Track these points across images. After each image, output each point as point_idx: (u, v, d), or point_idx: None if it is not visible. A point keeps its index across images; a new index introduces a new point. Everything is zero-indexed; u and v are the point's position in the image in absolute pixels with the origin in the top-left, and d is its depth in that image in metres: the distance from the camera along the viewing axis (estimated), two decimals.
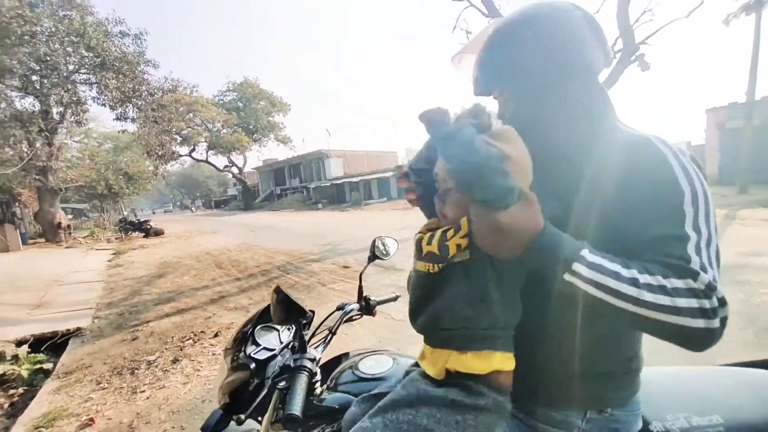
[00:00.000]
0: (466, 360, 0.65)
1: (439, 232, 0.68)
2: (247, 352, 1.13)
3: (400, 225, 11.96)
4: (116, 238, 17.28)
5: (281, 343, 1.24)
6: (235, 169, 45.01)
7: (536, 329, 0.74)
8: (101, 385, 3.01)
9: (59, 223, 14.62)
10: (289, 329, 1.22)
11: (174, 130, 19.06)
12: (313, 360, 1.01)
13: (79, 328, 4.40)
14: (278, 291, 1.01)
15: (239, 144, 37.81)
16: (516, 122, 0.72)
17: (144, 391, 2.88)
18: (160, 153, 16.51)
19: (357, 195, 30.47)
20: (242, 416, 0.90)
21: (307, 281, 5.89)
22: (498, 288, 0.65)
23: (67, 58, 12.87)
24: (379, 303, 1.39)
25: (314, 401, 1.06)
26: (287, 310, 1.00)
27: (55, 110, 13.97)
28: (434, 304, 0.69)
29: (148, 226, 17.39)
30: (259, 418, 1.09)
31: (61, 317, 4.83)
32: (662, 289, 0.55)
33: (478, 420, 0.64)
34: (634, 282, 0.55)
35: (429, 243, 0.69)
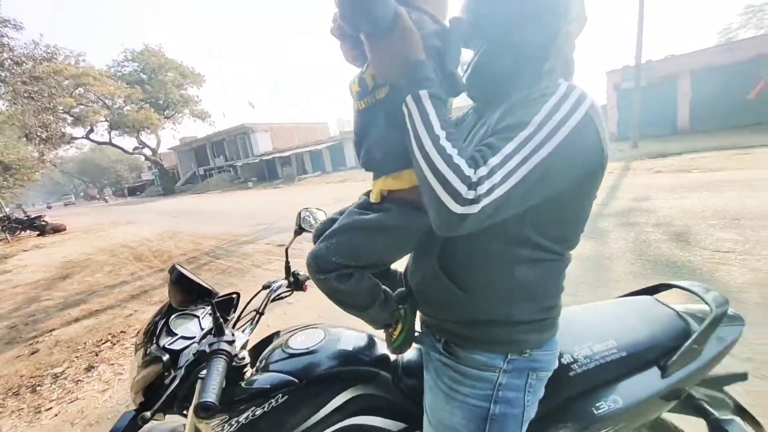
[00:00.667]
0: (391, 181, 0.77)
1: (358, 72, 0.79)
2: (161, 343, 1.02)
3: (336, 198, 11.73)
4: None
5: (202, 329, 1.14)
6: (147, 151, 39.96)
7: (461, 279, 0.75)
8: None
9: None
10: (210, 314, 1.10)
11: (60, 108, 16.01)
12: (231, 342, 0.93)
13: None
14: (173, 270, 0.89)
15: (148, 122, 33.34)
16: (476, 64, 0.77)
17: (50, 408, 2.51)
18: (43, 136, 13.76)
19: (289, 170, 29.20)
20: (147, 414, 0.79)
21: (240, 264, 5.56)
22: None
23: None
24: (309, 278, 1.34)
25: (243, 385, 1.00)
26: (186, 291, 0.89)
27: None
28: (368, 138, 0.79)
29: (43, 223, 14.87)
30: (185, 412, 1.00)
31: None
32: (447, 158, 0.60)
33: (394, 235, 0.79)
34: (434, 138, 0.62)
35: (354, 83, 0.79)
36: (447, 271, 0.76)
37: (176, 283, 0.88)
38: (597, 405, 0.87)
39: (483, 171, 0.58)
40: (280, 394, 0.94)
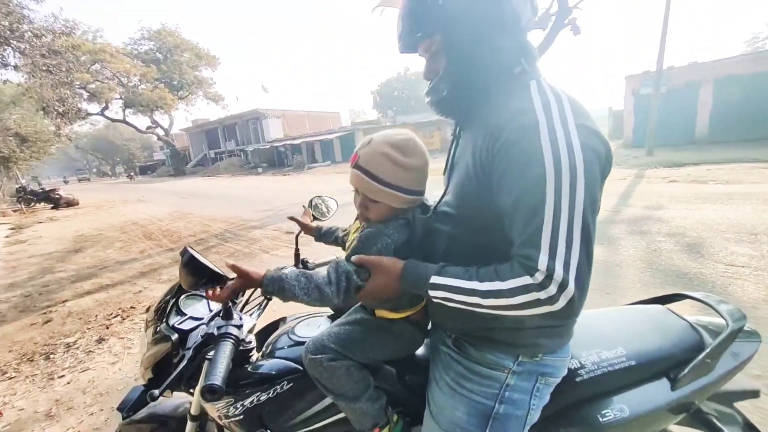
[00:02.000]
0: (388, 313, 0.97)
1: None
2: (170, 322, 1.05)
3: (345, 188, 11.70)
4: (14, 211, 14.83)
5: (210, 311, 1.16)
6: (160, 131, 40.23)
7: None
8: (7, 375, 2.66)
9: None
10: None
11: (77, 83, 16.15)
12: (239, 327, 0.95)
13: None
14: (185, 252, 0.91)
15: (162, 102, 33.49)
16: (446, 81, 0.75)
17: (63, 376, 2.59)
18: (60, 110, 13.91)
19: (299, 158, 29.17)
20: (156, 392, 0.81)
21: (248, 249, 5.62)
22: None
23: None
24: (318, 266, 1.35)
25: (249, 369, 1.02)
26: (197, 274, 0.91)
27: None
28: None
29: (57, 196, 15.15)
30: (191, 391, 1.03)
31: None
32: (499, 293, 0.64)
33: (392, 337, 0.96)
34: (473, 292, 0.67)
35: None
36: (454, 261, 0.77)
37: (187, 266, 0.90)
38: (603, 412, 0.87)
39: (542, 263, 0.59)
40: (285, 381, 0.97)
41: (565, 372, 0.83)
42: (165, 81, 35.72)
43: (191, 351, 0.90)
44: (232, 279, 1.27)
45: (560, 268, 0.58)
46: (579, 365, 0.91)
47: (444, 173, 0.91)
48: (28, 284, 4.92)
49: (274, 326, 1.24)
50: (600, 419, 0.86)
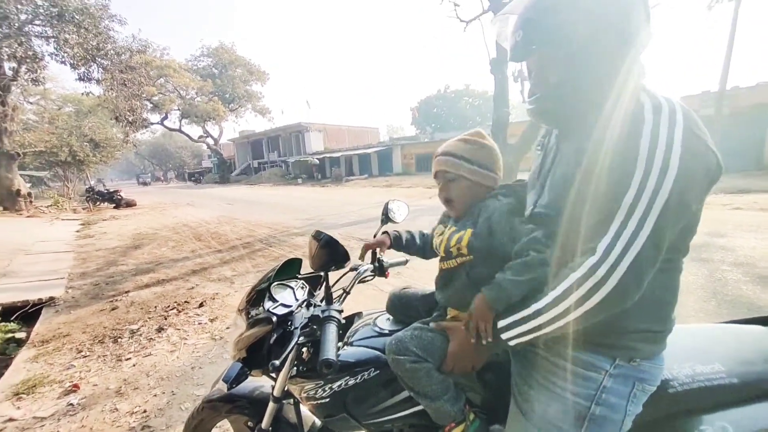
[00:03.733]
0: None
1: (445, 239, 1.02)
2: (266, 307, 1.12)
3: (380, 201, 11.87)
4: (83, 209, 16.38)
5: (296, 300, 1.24)
6: (210, 140, 43.03)
7: None
8: (82, 353, 2.92)
9: (18, 191, 13.56)
10: (302, 288, 1.21)
11: (145, 95, 17.83)
12: (340, 311, 1.02)
13: (52, 298, 4.20)
14: (319, 235, 1.01)
15: (215, 113, 35.97)
16: (558, 94, 0.76)
17: (129, 358, 2.82)
18: (130, 119, 15.41)
19: (338, 171, 30.01)
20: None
21: (291, 254, 5.83)
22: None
23: (19, 6, 11.60)
24: (391, 265, 1.42)
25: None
26: (331, 254, 1.02)
27: (6, 66, 12.70)
28: (448, 290, 1.03)
29: (119, 197, 16.55)
30: (272, 375, 1.10)
31: (31, 287, 4.58)
32: (570, 290, 0.69)
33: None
34: (538, 313, 0.74)
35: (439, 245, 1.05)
36: None
37: (325, 247, 1.01)
38: (701, 429, 0.83)
39: (603, 244, 0.67)
40: (372, 368, 1.01)
41: (660, 380, 0.81)
42: (218, 94, 38.33)
43: (299, 330, 0.97)
44: (312, 273, 1.36)
45: (619, 248, 0.63)
46: (671, 377, 0.87)
47: (537, 178, 0.91)
48: (96, 274, 5.40)
49: (350, 321, 1.30)
50: None
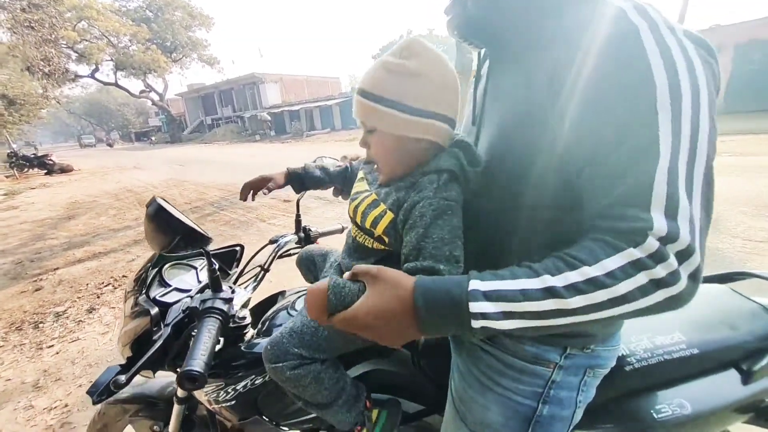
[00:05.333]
0: None
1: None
2: (151, 294, 0.91)
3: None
4: (7, 177, 14.56)
5: (199, 282, 1.02)
6: (154, 95, 38.90)
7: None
8: None
9: None
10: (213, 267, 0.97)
11: (63, 41, 15.34)
12: (228, 300, 0.80)
13: None
14: (152, 203, 0.73)
15: (155, 64, 32.09)
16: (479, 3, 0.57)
17: (52, 345, 2.50)
18: (46, 70, 13.21)
19: (298, 125, 28.39)
20: (122, 378, 0.67)
21: (244, 217, 5.47)
22: None
23: None
24: (322, 235, 1.22)
25: (243, 348, 0.89)
26: (167, 231, 0.74)
27: None
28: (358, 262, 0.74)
29: (50, 161, 14.80)
30: (178, 369, 0.89)
31: None
32: (592, 283, 0.42)
33: None
34: (550, 291, 0.43)
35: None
36: (489, 255, 0.62)
37: (154, 220, 0.73)
38: (657, 408, 0.74)
39: (658, 224, 0.40)
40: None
41: (614, 362, 0.68)
42: (157, 42, 34.09)
43: (170, 328, 0.77)
44: (227, 246, 1.12)
45: (685, 229, 0.39)
46: (628, 352, 0.77)
47: (473, 124, 0.71)
48: (19, 251, 4.80)
49: (271, 302, 1.10)
50: (654, 415, 0.73)
